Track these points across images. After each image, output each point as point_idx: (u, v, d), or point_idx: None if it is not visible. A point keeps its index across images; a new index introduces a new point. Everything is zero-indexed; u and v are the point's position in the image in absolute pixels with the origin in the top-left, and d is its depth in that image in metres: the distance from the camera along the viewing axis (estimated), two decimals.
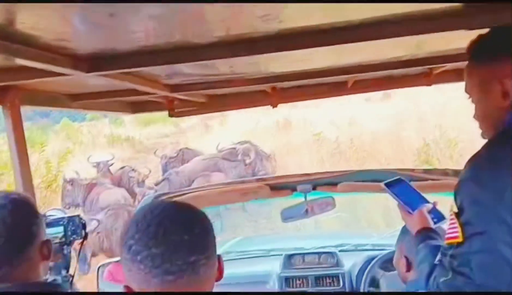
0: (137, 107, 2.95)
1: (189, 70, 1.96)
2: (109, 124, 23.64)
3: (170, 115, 2.73)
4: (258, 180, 2.65)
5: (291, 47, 1.48)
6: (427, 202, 1.53)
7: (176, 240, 0.82)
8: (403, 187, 1.58)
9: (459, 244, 1.13)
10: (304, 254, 2.95)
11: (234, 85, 2.30)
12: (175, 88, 2.25)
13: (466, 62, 1.31)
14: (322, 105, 20.39)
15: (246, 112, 19.99)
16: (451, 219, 1.17)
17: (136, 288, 0.84)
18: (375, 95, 19.54)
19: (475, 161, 1.16)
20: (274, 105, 2.71)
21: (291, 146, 14.34)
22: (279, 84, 2.63)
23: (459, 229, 1.13)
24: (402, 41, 1.76)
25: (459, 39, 1.43)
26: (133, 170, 10.07)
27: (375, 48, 1.89)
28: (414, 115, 13.34)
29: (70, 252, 1.78)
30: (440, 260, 1.20)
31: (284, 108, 21.10)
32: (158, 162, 11.80)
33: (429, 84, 2.74)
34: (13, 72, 1.55)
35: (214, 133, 18.25)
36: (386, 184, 1.57)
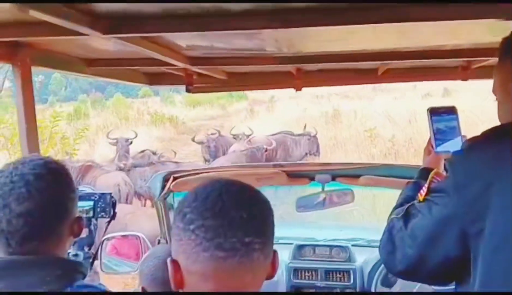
0: (154, 79, 2.83)
1: (213, 42, 1.83)
2: (159, 102, 24.00)
3: (188, 90, 2.60)
4: (275, 166, 2.53)
5: (326, 23, 1.34)
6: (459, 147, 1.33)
7: (233, 216, 0.77)
8: (449, 119, 1.38)
9: (419, 201, 1.17)
10: (315, 245, 2.85)
11: (258, 63, 2.16)
12: (195, 61, 2.12)
13: None
14: (375, 98, 19.89)
15: (294, 98, 19.98)
16: (430, 178, 1.20)
17: (183, 262, 0.78)
18: (435, 91, 18.81)
19: (478, 142, 1.12)
20: (298, 89, 2.57)
21: (338, 141, 13.25)
22: (305, 66, 2.49)
23: (425, 190, 1.16)
24: (441, 28, 1.63)
25: (503, 32, 1.32)
26: (154, 153, 9.39)
27: (412, 33, 1.75)
28: (479, 113, 11.50)
29: (96, 229, 1.73)
30: (405, 198, 1.27)
31: (335, 98, 20.68)
32: (198, 146, 11.16)
33: (466, 79, 2.57)
34: (26, 27, 1.43)
35: (260, 119, 17.86)
36: (432, 109, 1.39)
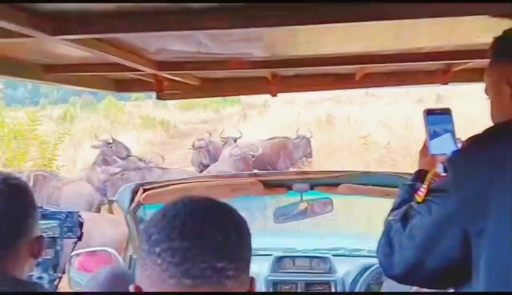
0: (122, 86, 2.70)
1: (178, 45, 1.72)
2: (152, 106, 23.90)
3: (158, 97, 2.47)
4: (251, 176, 2.42)
5: (296, 22, 1.24)
6: (456, 148, 1.33)
7: (205, 238, 0.68)
8: (444, 120, 1.37)
9: (418, 202, 1.15)
10: (295, 257, 2.74)
11: (230, 67, 2.05)
12: (162, 66, 2.00)
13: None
14: (369, 103, 19.83)
15: (288, 104, 19.92)
16: (429, 179, 1.18)
17: (147, 289, 0.69)
18: (428, 97, 18.86)
19: (476, 141, 1.13)
20: (274, 94, 2.47)
21: (332, 147, 12.88)
22: (281, 71, 2.39)
23: (425, 191, 1.15)
24: (420, 28, 1.56)
25: (485, 32, 1.24)
26: (140, 160, 8.82)
27: (390, 35, 1.67)
28: (471, 118, 10.87)
29: (62, 249, 1.63)
30: (402, 201, 1.24)
31: (328, 103, 20.65)
32: (188, 151, 10.78)
33: (445, 83, 2.51)
34: None
35: (253, 123, 17.63)
36: (429, 110, 1.38)
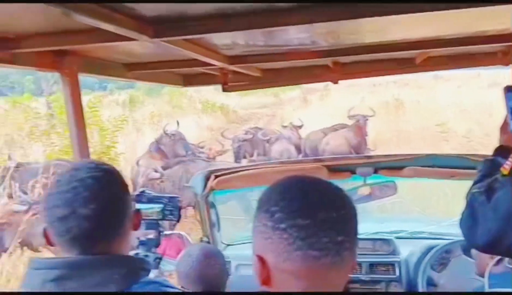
0: (189, 80, 2.86)
1: (251, 40, 1.83)
2: (213, 90, 24.06)
3: (224, 89, 2.61)
4: (315, 161, 2.51)
5: (367, 15, 1.32)
6: None
7: (324, 216, 0.76)
8: None
9: (503, 175, 1.18)
10: (358, 239, 2.81)
11: (296, 58, 2.15)
12: (233, 59, 2.13)
13: None
14: (438, 86, 18.01)
15: (351, 87, 18.49)
16: None
17: (271, 260, 0.78)
18: (503, 79, 17.32)
19: None
20: (335, 82, 2.54)
21: (402, 135, 11.54)
22: (342, 58, 2.45)
23: (511, 164, 1.18)
24: (484, 12, 1.58)
25: None
26: (199, 147, 8.45)
27: (452, 20, 1.70)
28: None
29: (163, 231, 1.78)
30: (484, 175, 1.26)
31: (393, 86, 19.05)
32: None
33: (507, 64, 2.49)
34: (72, 36, 1.47)
35: (313, 108, 16.70)
36: (509, 87, 1.36)
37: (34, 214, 4.00)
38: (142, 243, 1.69)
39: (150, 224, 1.73)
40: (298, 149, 8.94)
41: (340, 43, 2.12)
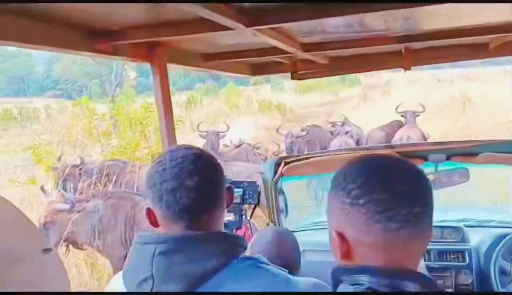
0: (258, 69, 2.90)
1: (330, 27, 1.85)
2: (270, 90, 23.91)
3: (293, 77, 2.65)
4: (387, 147, 2.50)
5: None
6: None
7: (400, 189, 0.80)
8: None
9: None
10: None
11: (370, 44, 2.15)
12: (308, 47, 2.15)
13: None
14: (507, 81, 15.93)
15: (413, 83, 17.93)
16: None
17: (351, 234, 0.82)
18: None
19: None
20: (407, 68, 2.52)
21: (471, 132, 10.78)
22: (414, 45, 2.43)
23: None
24: None
25: None
26: (255, 147, 8.36)
27: None
28: None
29: (244, 214, 1.84)
30: None
31: (459, 81, 18.24)
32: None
33: None
34: (162, 28, 1.54)
35: (374, 105, 16.36)
36: None
37: (78, 212, 4.12)
38: (224, 226, 1.74)
39: (233, 207, 1.77)
40: (358, 144, 8.74)
41: (414, 29, 2.11)
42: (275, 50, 2.24)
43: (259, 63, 2.80)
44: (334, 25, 1.85)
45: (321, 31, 1.95)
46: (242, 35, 1.78)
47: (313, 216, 3.45)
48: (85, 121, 9.44)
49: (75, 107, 10.28)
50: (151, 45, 1.77)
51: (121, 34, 1.57)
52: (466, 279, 2.61)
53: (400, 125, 9.07)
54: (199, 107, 19.49)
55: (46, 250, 0.78)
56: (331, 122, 9.92)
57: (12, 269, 0.69)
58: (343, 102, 19.47)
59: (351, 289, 0.81)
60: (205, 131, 8.89)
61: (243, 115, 14.20)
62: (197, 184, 1.02)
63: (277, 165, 2.56)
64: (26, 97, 35.41)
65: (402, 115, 9.01)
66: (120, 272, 1.10)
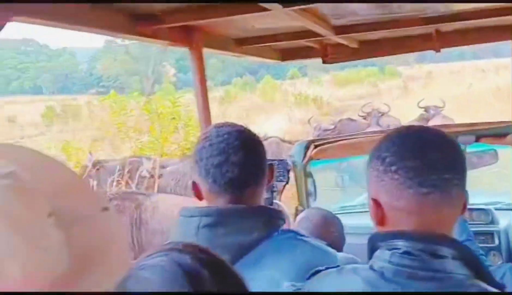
0: (288, 54, 2.99)
1: (361, 9, 1.92)
2: (307, 83, 23.08)
3: (324, 61, 2.73)
4: None
5: None
6: None
7: (431, 157, 0.84)
8: None
9: None
10: None
11: (401, 26, 2.20)
12: (339, 30, 2.23)
13: None
14: None
15: (456, 73, 17.30)
16: None
17: (385, 200, 0.86)
18: None
19: None
20: (437, 50, 2.54)
21: None
22: (444, 26, 2.45)
23: None
24: None
25: None
26: (284, 141, 8.32)
27: None
28: None
29: (275, 191, 1.88)
30: None
31: (504, 71, 17.29)
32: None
33: None
34: (200, 11, 1.65)
35: (415, 97, 15.27)
36: None
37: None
38: None
39: None
40: None
41: (445, 10, 2.14)
42: (306, 34, 2.33)
43: (289, 48, 2.88)
44: (366, 7, 1.92)
45: (353, 13, 2.01)
46: (275, 18, 1.89)
47: (341, 200, 3.51)
48: (116, 117, 9.43)
49: (106, 103, 10.22)
50: (189, 29, 1.90)
51: (161, 18, 1.69)
52: (496, 260, 2.62)
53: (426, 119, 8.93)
54: (234, 102, 19.60)
55: (105, 209, 0.79)
56: (363, 113, 9.75)
57: (75, 227, 0.71)
58: (382, 95, 19.07)
59: (387, 253, 0.84)
60: None
61: (278, 109, 14.12)
62: (242, 159, 1.07)
63: (306, 148, 2.64)
64: (71, 94, 36.72)
65: (425, 111, 8.92)
66: None
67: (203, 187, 1.10)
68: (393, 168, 0.84)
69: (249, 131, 1.16)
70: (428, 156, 0.84)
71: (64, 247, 0.65)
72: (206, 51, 2.19)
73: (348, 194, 3.79)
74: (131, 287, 0.63)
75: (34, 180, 0.66)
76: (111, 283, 0.69)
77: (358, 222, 2.43)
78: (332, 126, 9.27)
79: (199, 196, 1.12)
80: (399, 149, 0.86)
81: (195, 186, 1.12)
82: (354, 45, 2.79)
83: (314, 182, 2.92)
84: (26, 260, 0.60)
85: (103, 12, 1.58)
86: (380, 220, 0.88)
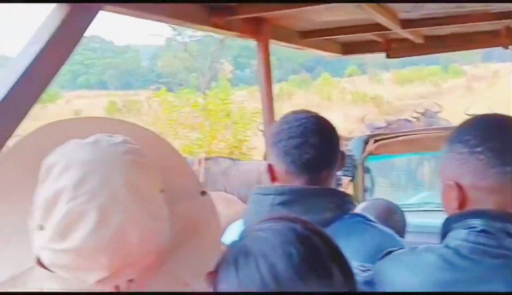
0: (349, 48, 2.99)
1: (433, 4, 1.91)
2: (367, 81, 22.41)
3: (388, 56, 2.72)
4: None
5: None
6: None
7: (508, 138, 0.89)
8: None
9: None
10: None
11: (469, 21, 2.16)
12: (407, 24, 2.22)
13: None
14: None
15: None
16: None
17: (468, 181, 0.89)
18: None
19: None
20: (506, 47, 2.47)
21: None
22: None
23: None
24: None
25: None
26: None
27: None
28: None
29: (340, 184, 1.91)
30: None
31: None
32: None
33: None
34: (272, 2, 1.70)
35: (480, 97, 15.40)
36: None
37: None
38: None
39: None
40: None
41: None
42: (371, 27, 2.34)
43: (352, 41, 2.89)
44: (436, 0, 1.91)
45: (422, 7, 2.01)
46: (342, 11, 1.93)
47: (397, 198, 3.47)
48: (167, 114, 9.42)
49: (160, 99, 10.34)
50: (258, 21, 1.98)
51: (235, 9, 1.77)
52: None
53: None
54: (289, 100, 19.46)
55: (203, 193, 0.86)
56: (416, 114, 9.45)
57: (177, 205, 0.77)
58: (445, 94, 18.49)
59: (464, 232, 0.86)
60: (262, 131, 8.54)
61: (334, 108, 13.91)
62: (319, 142, 1.13)
63: (365, 142, 2.65)
64: (133, 90, 38.17)
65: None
66: (238, 221, 1.21)
67: (279, 169, 1.14)
68: (478, 149, 0.88)
69: (325, 118, 1.20)
70: (504, 137, 0.88)
71: (168, 220, 0.73)
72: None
73: (405, 192, 3.73)
74: (249, 244, 0.67)
75: (150, 156, 0.74)
76: (200, 264, 0.74)
77: (415, 221, 2.41)
78: (384, 125, 9.11)
79: (273, 178, 1.16)
80: (481, 131, 0.90)
81: (270, 168, 1.16)
82: (420, 40, 2.75)
83: (372, 177, 2.92)
84: (144, 228, 0.68)
85: (179, 3, 1.65)
86: (461, 203, 0.90)
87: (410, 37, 2.61)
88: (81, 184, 0.65)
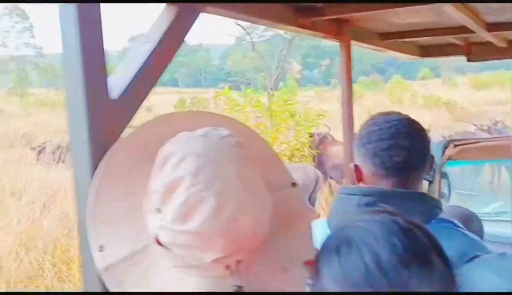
0: (427, 51, 2.97)
1: None
2: (440, 85, 21.52)
3: (469, 59, 2.67)
4: None
5: None
6: None
7: None
8: None
9: None
10: None
11: None
12: (494, 27, 2.18)
13: None
14: None
15: None
16: None
17: None
18: None
19: None
20: None
21: None
22: None
23: None
24: None
25: None
26: None
27: None
28: None
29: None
30: None
31: None
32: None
33: None
34: (357, 3, 1.76)
35: None
36: None
37: None
38: None
39: None
40: None
41: None
42: (452, 30, 2.33)
43: (430, 44, 2.87)
44: None
45: (508, 10, 1.98)
46: (423, 13, 1.95)
47: (473, 206, 3.37)
48: (229, 113, 8.83)
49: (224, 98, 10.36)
50: (340, 22, 2.05)
51: (321, 10, 1.85)
52: None
53: None
54: (358, 101, 19.20)
55: (293, 184, 0.89)
56: (480, 125, 8.99)
57: (274, 193, 0.81)
58: None
59: None
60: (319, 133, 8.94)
61: (405, 111, 13.44)
62: (410, 145, 1.12)
63: (445, 147, 2.61)
64: (202, 88, 39.23)
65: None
66: (322, 219, 1.20)
67: (367, 170, 1.14)
68: None
69: (416, 120, 1.20)
70: None
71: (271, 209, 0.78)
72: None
73: (481, 200, 3.60)
74: (351, 234, 0.69)
75: (251, 150, 0.80)
76: (295, 251, 0.78)
77: (490, 230, 2.36)
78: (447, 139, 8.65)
79: (359, 179, 1.16)
80: None
81: (356, 168, 1.16)
82: (503, 44, 2.69)
83: (449, 183, 2.86)
84: (256, 217, 0.74)
85: (267, 4, 1.72)
86: None
87: (494, 40, 2.55)
88: (198, 174, 0.71)
